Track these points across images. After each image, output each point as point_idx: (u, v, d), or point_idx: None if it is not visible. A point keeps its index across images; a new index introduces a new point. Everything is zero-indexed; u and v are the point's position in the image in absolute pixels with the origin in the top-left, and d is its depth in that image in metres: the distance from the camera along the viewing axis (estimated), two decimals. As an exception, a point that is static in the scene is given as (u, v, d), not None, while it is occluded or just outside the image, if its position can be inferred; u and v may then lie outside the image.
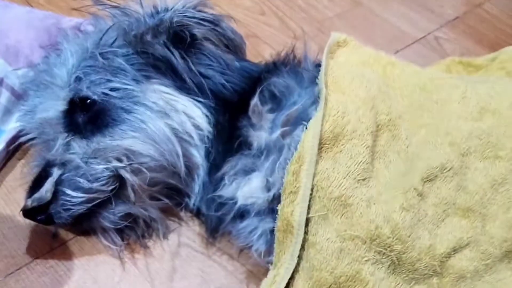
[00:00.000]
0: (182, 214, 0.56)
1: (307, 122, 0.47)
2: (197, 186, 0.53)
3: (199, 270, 0.52)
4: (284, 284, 0.42)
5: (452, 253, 0.45)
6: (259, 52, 0.82)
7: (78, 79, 0.51)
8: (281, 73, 0.55)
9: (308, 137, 0.46)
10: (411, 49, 0.91)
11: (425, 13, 0.98)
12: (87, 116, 0.50)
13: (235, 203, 0.50)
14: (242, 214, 0.51)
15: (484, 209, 0.47)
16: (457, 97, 0.53)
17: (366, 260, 0.42)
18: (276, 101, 0.52)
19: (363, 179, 0.45)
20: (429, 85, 0.54)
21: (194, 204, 0.54)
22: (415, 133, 0.50)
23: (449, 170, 0.47)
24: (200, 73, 0.53)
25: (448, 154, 0.48)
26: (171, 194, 0.55)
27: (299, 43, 0.83)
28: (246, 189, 0.49)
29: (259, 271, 0.51)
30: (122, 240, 0.52)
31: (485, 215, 0.47)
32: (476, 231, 0.46)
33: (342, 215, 0.43)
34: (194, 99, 0.52)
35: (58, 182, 0.48)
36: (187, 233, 0.55)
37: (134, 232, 0.53)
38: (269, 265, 0.47)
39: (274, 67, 0.56)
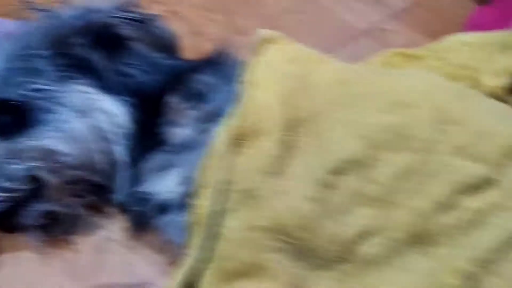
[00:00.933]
0: (106, 209, 0.57)
1: (225, 119, 0.49)
2: (119, 182, 0.55)
3: (124, 263, 0.54)
4: (186, 275, 0.45)
5: (359, 240, 0.48)
6: (203, 49, 0.83)
7: (1, 82, 0.52)
8: (205, 70, 0.57)
9: (222, 133, 0.48)
10: (358, 42, 0.92)
11: (374, 5, 1.00)
12: (7, 117, 0.52)
13: (156, 198, 0.52)
14: (163, 208, 0.53)
15: (391, 197, 0.50)
16: (374, 91, 0.55)
17: (270, 249, 0.45)
18: (195, 98, 0.54)
19: (274, 173, 0.47)
20: (351, 79, 0.56)
21: (117, 200, 0.55)
22: (331, 128, 0.52)
23: (357, 163, 0.50)
24: (123, 73, 0.55)
25: (358, 147, 0.50)
26: (94, 191, 0.56)
27: (246, 39, 0.87)
28: (164, 184, 0.51)
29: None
30: (47, 236, 0.53)
31: (391, 203, 0.50)
32: (382, 218, 0.49)
33: (250, 207, 0.46)
34: (115, 98, 0.54)
35: (-24, 182, 0.50)
36: (113, 228, 0.56)
37: (58, 229, 0.54)
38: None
39: (199, 65, 0.58)
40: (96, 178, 0.55)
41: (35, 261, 0.52)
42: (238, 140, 0.48)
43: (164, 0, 0.89)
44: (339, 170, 0.49)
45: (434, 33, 0.90)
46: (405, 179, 0.51)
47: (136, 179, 0.53)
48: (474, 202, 0.51)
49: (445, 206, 0.50)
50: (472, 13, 0.91)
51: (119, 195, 0.55)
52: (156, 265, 0.54)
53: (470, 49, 0.81)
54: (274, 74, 0.53)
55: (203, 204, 0.46)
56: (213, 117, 0.51)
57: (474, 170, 0.52)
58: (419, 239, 0.50)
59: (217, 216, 0.45)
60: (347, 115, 0.53)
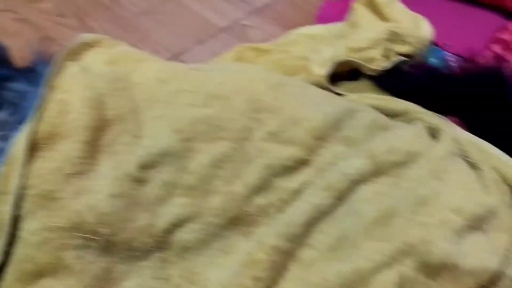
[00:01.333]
0: None
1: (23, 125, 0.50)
2: None
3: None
4: None
5: (174, 228, 0.51)
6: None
7: None
8: (19, 77, 0.57)
9: (20, 139, 0.49)
10: (217, 39, 0.95)
11: (236, 2, 1.03)
12: None
13: None
14: None
15: (207, 185, 0.53)
16: (189, 87, 0.59)
17: (69, 247, 0.46)
18: (13, 106, 0.55)
19: (76, 173, 0.49)
20: (168, 78, 0.59)
21: None
22: (146, 125, 0.55)
23: (170, 155, 0.53)
24: None
25: (171, 140, 0.53)
26: None
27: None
28: None
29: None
30: None
31: (207, 190, 0.53)
32: (198, 206, 0.52)
33: (48, 209, 0.47)
34: None
35: None
36: None
37: None
38: None
39: (16, 73, 0.58)
40: None
41: None
42: (38, 145, 0.49)
43: (14, 8, 0.88)
44: (151, 164, 0.52)
45: (294, 26, 0.96)
46: (220, 167, 0.54)
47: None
48: (288, 183, 0.56)
49: (260, 188, 0.55)
50: (322, 5, 0.97)
51: None
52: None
53: (312, 41, 0.88)
54: (83, 77, 0.54)
55: (4, 210, 0.46)
56: (16, 123, 0.51)
57: (287, 153, 0.57)
58: (238, 221, 0.54)
59: (16, 221, 0.46)
60: (162, 111, 0.56)
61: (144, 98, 0.57)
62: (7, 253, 0.45)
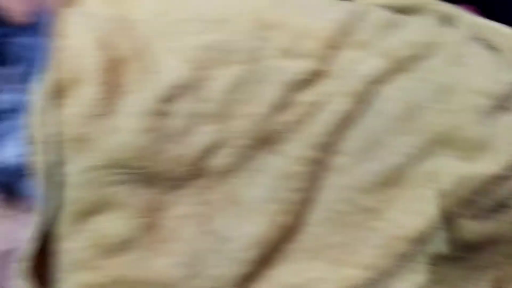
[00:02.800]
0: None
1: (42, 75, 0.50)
2: None
3: (3, 232, 0.54)
4: (41, 222, 0.48)
5: (206, 155, 0.52)
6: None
7: None
8: (24, 32, 0.56)
9: (40, 88, 0.49)
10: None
11: None
12: None
13: (9, 164, 0.52)
14: (20, 173, 0.53)
15: (228, 110, 0.54)
16: (193, 15, 0.58)
17: (113, 183, 0.48)
18: (16, 62, 0.54)
19: (101, 115, 0.50)
20: (168, 9, 0.58)
21: None
22: (157, 59, 0.54)
23: (187, 86, 0.53)
24: None
25: (185, 71, 0.53)
26: None
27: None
28: (9, 150, 0.52)
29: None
30: None
31: (229, 115, 0.54)
32: (224, 130, 0.53)
33: (84, 150, 0.48)
34: None
35: None
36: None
37: None
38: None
39: (19, 28, 0.58)
40: None
41: None
42: (59, 92, 0.49)
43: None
44: (170, 97, 0.52)
45: None
46: (237, 90, 0.55)
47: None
48: (307, 96, 0.56)
49: (280, 106, 0.55)
50: None
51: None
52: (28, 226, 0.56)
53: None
54: (87, 21, 0.54)
55: (39, 159, 0.48)
56: (30, 75, 0.51)
57: (301, 66, 0.56)
58: (265, 140, 0.55)
59: (54, 167, 0.48)
60: (169, 43, 0.55)
61: (148, 34, 0.56)
62: (55, 199, 0.48)
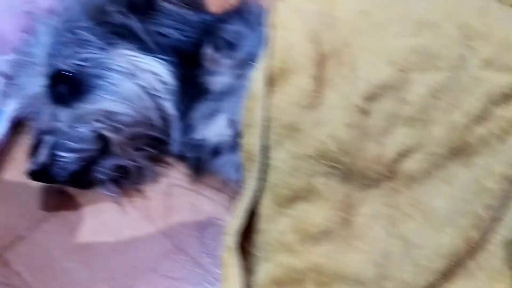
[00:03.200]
0: (167, 159, 0.64)
1: (257, 62, 0.52)
2: (173, 134, 0.60)
3: (190, 205, 0.60)
4: (249, 202, 0.50)
5: (400, 158, 0.51)
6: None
7: (53, 55, 0.58)
8: (233, 20, 0.60)
9: (257, 75, 0.52)
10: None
11: None
12: (66, 87, 0.57)
13: (208, 143, 0.58)
14: (216, 151, 0.58)
15: (426, 116, 0.52)
16: (396, 16, 0.57)
17: (318, 174, 0.49)
18: (228, 47, 0.58)
19: (311, 106, 0.51)
20: (371, 8, 0.58)
21: (175, 150, 0.61)
22: (360, 57, 0.55)
23: (390, 87, 0.52)
24: (159, 33, 0.59)
25: (388, 72, 0.52)
26: (153, 144, 0.62)
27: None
28: (214, 130, 0.57)
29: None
30: (119, 188, 0.60)
31: (427, 121, 0.53)
32: (421, 136, 0.52)
33: (293, 138, 0.50)
34: (157, 57, 0.58)
35: (52, 147, 0.57)
36: (175, 175, 0.63)
37: (127, 180, 0.61)
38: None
39: (227, 16, 0.61)
40: (152, 133, 0.61)
41: (113, 211, 0.60)
42: (272, 80, 0.51)
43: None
44: (373, 96, 0.52)
45: None
46: (438, 97, 0.53)
47: (187, 128, 0.58)
48: (507, 111, 0.53)
49: (480, 117, 0.53)
50: None
51: (175, 145, 0.61)
52: (218, 202, 0.60)
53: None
54: (297, 14, 0.55)
55: (251, 141, 0.50)
56: (246, 62, 0.54)
57: (505, 80, 0.53)
58: (459, 151, 0.53)
59: (265, 150, 0.50)
60: (373, 42, 0.55)
61: (352, 31, 0.57)
62: (262, 180, 0.50)
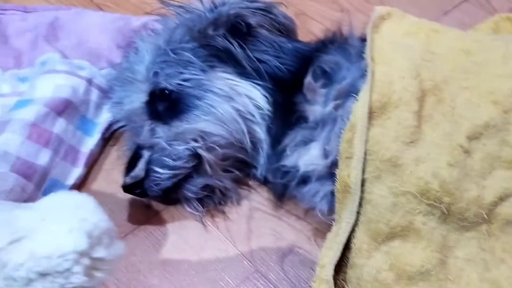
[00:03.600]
0: (251, 182, 0.64)
1: (357, 94, 0.53)
2: (262, 158, 0.61)
3: (271, 230, 0.60)
4: (346, 235, 0.49)
5: (499, 201, 0.50)
6: (309, 29, 0.86)
7: (155, 73, 0.60)
8: (330, 50, 0.60)
9: (358, 107, 0.52)
10: (459, 9, 0.92)
11: (471, -29, 0.97)
12: (165, 105, 0.59)
13: (298, 170, 0.57)
14: (304, 179, 0.58)
15: None
16: (499, 57, 0.56)
17: (418, 212, 0.48)
18: (327, 77, 0.58)
19: (411, 141, 0.51)
20: (472, 47, 0.57)
21: (260, 174, 0.62)
22: (459, 95, 0.54)
23: (493, 127, 0.51)
24: (257, 59, 0.60)
25: (492, 112, 0.52)
26: (240, 166, 0.63)
27: (347, 16, 0.89)
28: (306, 158, 0.57)
29: (324, 228, 0.58)
30: (203, 207, 0.61)
31: None
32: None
33: (394, 174, 0.49)
34: (253, 82, 0.60)
35: (149, 162, 0.58)
36: (258, 199, 0.63)
37: (212, 200, 0.62)
38: (333, 222, 0.54)
39: (323, 46, 0.62)
40: (241, 155, 0.62)
41: (197, 229, 0.61)
42: (372, 113, 0.51)
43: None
44: (475, 136, 0.51)
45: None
46: (542, 141, 0.52)
47: (277, 154, 0.59)
48: None
49: None
50: None
51: (261, 170, 0.62)
52: (300, 231, 0.60)
53: None
54: (395, 48, 0.56)
55: (348, 173, 0.50)
56: (345, 93, 0.55)
57: None
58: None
59: (364, 184, 0.50)
60: (475, 81, 0.55)
61: (452, 69, 0.56)
62: (357, 213, 0.50)
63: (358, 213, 0.50)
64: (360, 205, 0.50)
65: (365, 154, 0.50)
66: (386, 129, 0.51)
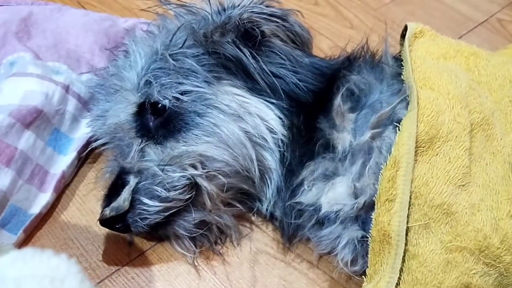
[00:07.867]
0: (253, 219, 0.54)
1: (398, 123, 0.44)
2: (270, 191, 0.51)
3: (280, 279, 0.50)
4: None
5: None
6: (316, 44, 0.78)
7: (148, 82, 0.49)
8: (360, 69, 0.51)
9: (403, 139, 0.42)
10: (474, 33, 0.87)
11: (486, -5, 0.93)
12: (159, 120, 0.49)
13: (317, 209, 0.48)
14: (322, 220, 0.48)
15: None
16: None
17: (474, 273, 0.39)
18: (355, 99, 0.49)
19: (463, 185, 0.42)
20: None
21: (267, 209, 0.52)
22: (509, 132, 0.46)
23: None
24: (272, 73, 0.50)
25: None
26: (243, 199, 0.53)
27: (356, 33, 0.81)
28: (330, 195, 0.46)
29: (342, 279, 0.49)
30: (196, 247, 0.50)
31: None
32: None
33: (446, 224, 0.40)
34: (266, 100, 0.50)
35: (135, 191, 0.47)
36: (262, 239, 0.53)
37: (207, 239, 0.51)
38: (355, 273, 0.45)
39: (350, 63, 0.53)
40: (246, 186, 0.51)
41: (189, 275, 0.50)
42: (422, 148, 0.42)
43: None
44: None
45: None
46: None
47: (292, 189, 0.49)
48: None
49: None
50: None
51: (270, 205, 0.52)
52: (314, 281, 0.50)
53: None
54: (440, 72, 0.47)
55: (389, 220, 0.40)
56: (385, 120, 0.46)
57: None
58: None
59: (408, 234, 0.40)
60: None
61: (496, 100, 0.48)
62: (399, 269, 0.40)
63: (400, 270, 0.40)
64: (402, 260, 0.41)
65: (410, 197, 0.41)
66: (435, 168, 0.42)
